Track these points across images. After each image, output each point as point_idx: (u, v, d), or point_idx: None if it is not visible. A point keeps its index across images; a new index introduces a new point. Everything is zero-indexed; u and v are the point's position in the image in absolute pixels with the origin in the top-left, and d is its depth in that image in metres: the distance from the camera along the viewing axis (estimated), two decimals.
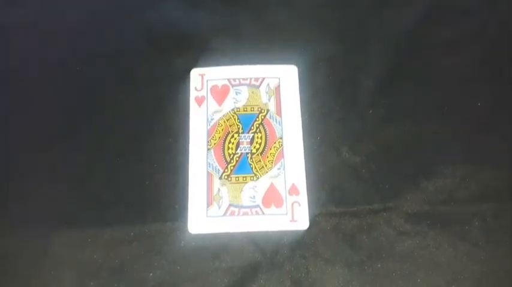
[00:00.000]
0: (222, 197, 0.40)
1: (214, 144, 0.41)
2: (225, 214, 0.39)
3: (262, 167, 0.41)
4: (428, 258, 0.39)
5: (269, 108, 0.43)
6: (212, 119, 0.42)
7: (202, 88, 0.43)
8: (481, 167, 0.41)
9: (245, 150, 0.41)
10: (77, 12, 0.47)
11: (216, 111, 0.43)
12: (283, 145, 0.41)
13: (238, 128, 0.42)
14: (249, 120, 0.42)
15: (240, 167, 0.41)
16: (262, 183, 0.40)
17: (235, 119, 0.42)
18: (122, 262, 0.39)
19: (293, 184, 0.40)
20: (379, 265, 0.38)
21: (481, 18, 0.46)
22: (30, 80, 0.45)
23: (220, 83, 0.43)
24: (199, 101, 0.43)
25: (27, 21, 0.47)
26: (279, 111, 0.43)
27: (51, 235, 0.39)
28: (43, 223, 0.40)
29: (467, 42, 0.45)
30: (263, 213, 0.39)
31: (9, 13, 0.47)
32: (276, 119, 0.42)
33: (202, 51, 0.45)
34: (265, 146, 0.41)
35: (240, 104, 0.43)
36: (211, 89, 0.43)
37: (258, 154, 0.41)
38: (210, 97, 0.43)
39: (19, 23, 0.47)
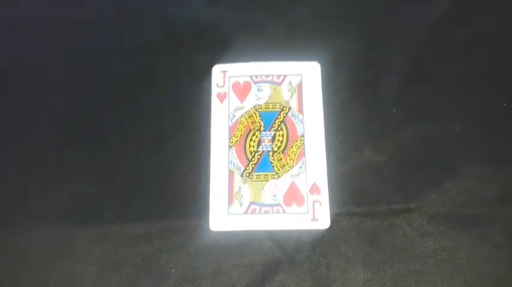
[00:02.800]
0: (243, 195, 0.40)
1: (236, 141, 0.41)
2: (246, 212, 0.39)
3: (284, 165, 0.41)
4: (449, 259, 0.39)
5: (291, 105, 0.42)
6: (234, 116, 0.42)
7: (224, 85, 0.43)
8: (504, 168, 0.41)
9: (266, 148, 0.41)
10: (96, 8, 0.47)
11: (237, 108, 0.42)
12: (305, 143, 0.41)
13: (260, 126, 0.42)
14: (271, 117, 0.42)
15: (261, 165, 0.41)
16: (284, 181, 0.40)
17: (257, 117, 0.42)
18: (144, 258, 0.39)
19: (314, 183, 0.40)
20: (400, 266, 0.39)
21: (505, 15, 0.45)
22: (50, 76, 0.45)
23: (242, 80, 0.43)
24: (221, 97, 0.43)
25: (47, 16, 0.47)
26: (300, 109, 0.42)
27: (75, 231, 0.40)
28: (66, 218, 0.40)
29: (492, 40, 0.45)
30: (284, 211, 0.39)
31: (29, 7, 0.47)
32: (297, 117, 0.42)
33: (224, 48, 0.44)
34: (286, 144, 0.41)
35: (261, 101, 0.43)
36: (233, 85, 0.43)
37: (279, 152, 0.41)
38: (232, 94, 0.43)
39: (38, 17, 0.47)
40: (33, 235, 0.40)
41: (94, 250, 0.39)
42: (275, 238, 0.39)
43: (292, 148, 0.41)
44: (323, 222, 0.39)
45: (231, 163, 0.41)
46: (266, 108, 0.42)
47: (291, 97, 0.43)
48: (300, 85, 0.43)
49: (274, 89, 0.43)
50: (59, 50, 0.45)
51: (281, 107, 0.42)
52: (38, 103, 0.44)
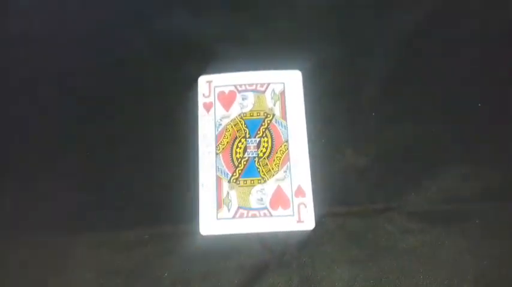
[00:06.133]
0: (231, 200, 0.42)
1: (223, 149, 0.43)
2: (234, 216, 0.41)
3: (269, 170, 0.42)
4: (430, 255, 0.40)
5: (275, 113, 0.44)
6: (220, 125, 0.44)
7: (210, 94, 0.45)
8: (480, 166, 0.42)
9: (252, 154, 0.43)
10: (83, 22, 0.49)
11: (223, 117, 0.44)
12: (289, 149, 0.43)
13: (245, 133, 0.44)
14: (256, 125, 0.44)
15: (247, 171, 0.42)
16: (270, 186, 0.42)
17: (242, 124, 0.44)
18: (138, 263, 0.41)
19: (299, 186, 0.42)
20: (383, 263, 0.40)
21: (481, 20, 0.47)
22: (42, 90, 0.46)
23: (227, 89, 0.45)
24: (208, 107, 0.45)
25: (35, 32, 0.49)
26: (284, 116, 0.44)
27: (71, 238, 0.41)
28: (62, 226, 0.42)
29: (468, 44, 0.46)
30: (271, 215, 0.41)
31: (18, 24, 0.49)
32: (281, 124, 0.44)
33: (209, 58, 0.46)
34: (271, 150, 0.43)
35: (246, 109, 0.44)
36: (218, 95, 0.45)
37: (264, 158, 0.43)
38: (217, 103, 0.45)
39: (27, 34, 0.49)
40: (29, 245, 0.41)
41: (89, 258, 0.41)
42: (263, 241, 0.41)
43: (276, 153, 0.43)
44: (308, 223, 0.41)
45: (218, 170, 0.42)
46: (251, 116, 0.44)
47: (275, 105, 0.44)
48: (282, 93, 0.45)
49: (258, 97, 0.45)
50: (48, 66, 0.47)
51: (265, 114, 0.44)
52: (30, 119, 0.45)
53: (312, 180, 0.42)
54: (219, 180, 0.42)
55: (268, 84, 0.45)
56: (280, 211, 0.41)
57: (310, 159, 0.43)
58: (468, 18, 0.47)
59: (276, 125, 0.44)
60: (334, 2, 0.48)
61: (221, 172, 0.42)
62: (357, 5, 0.48)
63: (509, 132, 0.43)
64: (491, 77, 0.45)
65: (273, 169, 0.42)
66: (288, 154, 0.43)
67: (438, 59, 0.46)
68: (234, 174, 0.42)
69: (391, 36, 0.47)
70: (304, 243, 0.41)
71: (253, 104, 0.44)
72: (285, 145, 0.43)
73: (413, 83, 0.45)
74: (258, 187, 0.42)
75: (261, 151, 0.43)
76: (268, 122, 0.44)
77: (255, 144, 0.43)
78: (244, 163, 0.43)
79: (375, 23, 0.48)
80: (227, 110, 0.44)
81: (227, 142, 0.43)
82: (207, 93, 0.45)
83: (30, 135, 0.45)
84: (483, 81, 0.45)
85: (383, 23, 0.47)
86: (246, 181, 0.42)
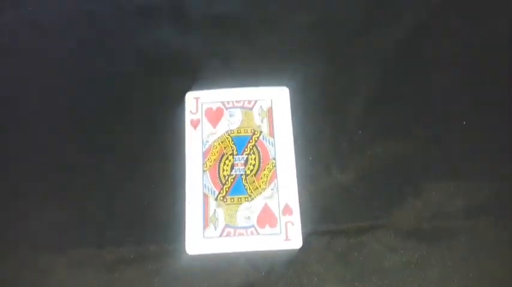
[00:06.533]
0: (218, 218, 0.41)
1: (210, 166, 0.43)
2: (221, 235, 0.41)
3: (257, 188, 0.42)
4: (416, 273, 0.40)
5: (262, 129, 0.44)
6: (207, 142, 0.44)
7: (197, 111, 0.45)
8: (465, 184, 0.43)
9: (239, 171, 0.43)
10: (69, 37, 0.48)
11: (211, 134, 0.44)
12: (277, 166, 0.43)
13: (233, 150, 0.43)
14: (243, 142, 0.44)
15: (235, 189, 0.42)
16: (257, 204, 0.42)
17: (229, 141, 0.44)
18: (122, 283, 0.40)
19: (286, 204, 0.42)
20: (370, 281, 0.40)
21: (464, 38, 0.48)
22: (24, 105, 0.46)
23: (214, 106, 0.45)
24: (195, 124, 0.44)
25: (20, 46, 0.48)
26: (271, 133, 0.44)
27: (53, 257, 0.41)
28: (44, 245, 0.41)
29: (452, 62, 0.47)
30: (258, 233, 0.41)
31: (4, 37, 0.48)
32: (269, 141, 0.44)
33: (196, 75, 0.46)
34: (259, 167, 0.43)
35: (234, 126, 0.44)
36: (205, 111, 0.45)
37: (252, 175, 0.43)
38: (205, 120, 0.44)
39: (13, 47, 0.48)
40: (11, 264, 0.40)
41: (72, 277, 0.40)
42: (250, 260, 0.41)
43: (264, 170, 0.43)
44: (295, 242, 0.41)
45: (205, 187, 0.42)
46: (238, 133, 0.44)
47: (262, 121, 0.44)
48: (270, 109, 0.45)
49: (246, 113, 0.45)
50: (32, 80, 0.46)
51: (252, 131, 0.44)
52: (12, 133, 0.45)
53: (299, 198, 0.42)
54: (205, 198, 0.42)
55: (256, 101, 0.45)
56: (267, 229, 0.41)
57: (297, 176, 0.43)
58: (451, 36, 0.48)
59: (264, 142, 0.44)
60: (321, 19, 0.49)
61: (208, 190, 0.42)
62: (343, 21, 0.49)
63: (494, 149, 0.44)
64: (476, 95, 0.46)
65: (260, 186, 0.42)
66: (276, 171, 0.43)
67: (424, 76, 0.46)
68: (221, 191, 0.42)
69: (377, 52, 0.47)
70: (291, 262, 0.41)
71: (241, 121, 0.44)
72: (272, 163, 0.43)
73: (399, 100, 0.45)
74: (245, 204, 0.42)
75: (249, 168, 0.43)
76: (256, 139, 0.44)
77: (243, 161, 0.43)
78: (232, 180, 0.42)
79: (361, 39, 0.48)
80: (214, 127, 0.44)
81: (214, 159, 0.43)
82: (194, 110, 0.45)
83: (11, 150, 0.44)
84: (468, 99, 0.45)
85: (368, 39, 0.48)
86: (233, 198, 0.42)
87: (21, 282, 0.40)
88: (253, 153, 0.43)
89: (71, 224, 0.42)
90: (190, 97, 0.45)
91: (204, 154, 0.43)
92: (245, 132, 0.44)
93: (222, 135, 0.44)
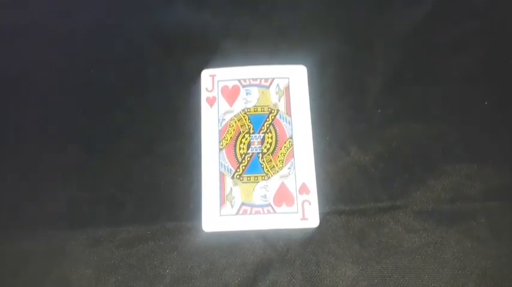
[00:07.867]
0: (234, 197, 0.41)
1: (226, 144, 0.42)
2: (237, 213, 0.41)
3: (273, 166, 0.42)
4: (435, 255, 0.40)
5: (279, 108, 0.44)
6: (223, 120, 0.43)
7: (213, 89, 0.44)
8: (486, 165, 0.42)
9: (256, 150, 0.42)
10: (84, 15, 0.48)
11: (227, 112, 0.43)
12: (294, 145, 0.42)
13: (249, 129, 0.43)
14: (260, 120, 0.43)
15: (251, 167, 0.42)
16: (273, 182, 0.41)
17: (246, 120, 0.43)
18: (139, 259, 0.40)
19: (303, 183, 0.41)
20: (387, 261, 0.40)
21: (485, 17, 0.47)
22: (41, 83, 0.45)
23: (230, 84, 0.44)
24: (211, 101, 0.44)
25: (36, 25, 0.48)
26: (288, 111, 0.43)
27: (69, 235, 0.41)
28: (60, 223, 0.41)
29: (473, 41, 0.46)
30: (274, 212, 0.41)
31: (18, 17, 0.48)
32: (286, 119, 0.43)
33: (212, 52, 0.45)
34: (275, 146, 0.42)
35: (250, 105, 0.44)
36: (222, 89, 0.44)
37: (268, 154, 0.42)
38: (221, 98, 0.44)
39: (28, 27, 0.48)
40: (28, 241, 0.41)
41: (89, 253, 0.40)
42: (266, 238, 0.41)
43: (281, 149, 0.42)
44: (312, 221, 0.40)
45: (221, 166, 0.42)
46: (255, 111, 0.44)
47: (279, 100, 0.44)
48: (287, 88, 0.44)
49: (263, 92, 0.44)
50: (49, 59, 0.46)
51: (269, 109, 0.44)
52: (29, 112, 0.45)
53: (316, 177, 0.41)
54: (222, 176, 0.41)
55: (273, 79, 0.44)
56: (284, 207, 0.41)
57: (314, 156, 0.42)
58: (473, 14, 0.47)
59: (281, 120, 0.43)
60: None
61: (224, 168, 0.42)
62: (363, 0, 0.48)
63: None
64: (497, 75, 0.45)
65: (277, 165, 0.42)
66: (293, 150, 0.42)
67: (444, 56, 0.45)
68: (238, 170, 0.42)
69: (396, 31, 0.46)
70: (308, 241, 0.40)
71: (258, 99, 0.44)
72: (289, 141, 0.42)
73: (419, 80, 0.45)
74: (262, 183, 0.41)
75: (265, 146, 0.42)
76: (273, 117, 0.43)
77: (259, 140, 0.43)
78: (248, 158, 0.42)
79: (380, 17, 0.47)
80: (231, 105, 0.44)
81: (231, 138, 0.43)
82: (210, 88, 0.44)
83: (27, 129, 0.44)
84: (490, 79, 0.44)
85: (388, 17, 0.47)
86: (249, 177, 0.41)
87: (39, 261, 0.40)
88: (270, 131, 0.43)
89: (88, 201, 0.41)
90: (206, 75, 0.45)
91: (221, 132, 0.43)
92: (262, 111, 0.43)
93: (239, 114, 0.43)
